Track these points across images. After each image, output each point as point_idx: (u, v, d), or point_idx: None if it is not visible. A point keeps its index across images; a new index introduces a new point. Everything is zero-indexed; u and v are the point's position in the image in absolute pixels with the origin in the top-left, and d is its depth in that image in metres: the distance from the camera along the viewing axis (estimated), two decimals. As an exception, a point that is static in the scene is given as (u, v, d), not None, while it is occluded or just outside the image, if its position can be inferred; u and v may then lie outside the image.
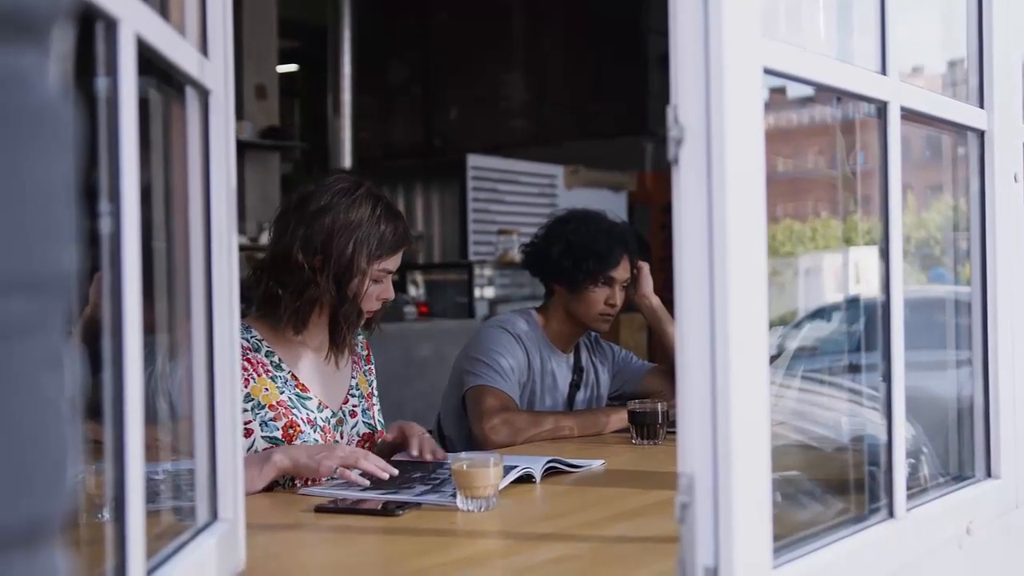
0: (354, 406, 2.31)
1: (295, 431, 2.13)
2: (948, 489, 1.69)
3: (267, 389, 2.14)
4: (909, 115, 1.51)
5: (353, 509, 1.81)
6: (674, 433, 1.33)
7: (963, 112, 1.72)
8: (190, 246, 1.27)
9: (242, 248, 6.47)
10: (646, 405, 2.57)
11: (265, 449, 2.06)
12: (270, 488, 2.00)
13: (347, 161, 8.11)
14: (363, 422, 2.32)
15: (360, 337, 2.42)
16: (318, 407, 2.21)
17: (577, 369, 2.98)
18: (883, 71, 1.45)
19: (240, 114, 7.11)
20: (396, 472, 2.01)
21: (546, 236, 2.93)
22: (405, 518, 1.75)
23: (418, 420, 2.41)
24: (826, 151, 1.88)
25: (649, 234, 7.80)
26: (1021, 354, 1.80)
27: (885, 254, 1.46)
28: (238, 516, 1.32)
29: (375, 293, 2.21)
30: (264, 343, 2.19)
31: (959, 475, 1.78)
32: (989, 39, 1.74)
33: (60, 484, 0.53)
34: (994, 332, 1.75)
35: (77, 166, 0.57)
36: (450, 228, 8.40)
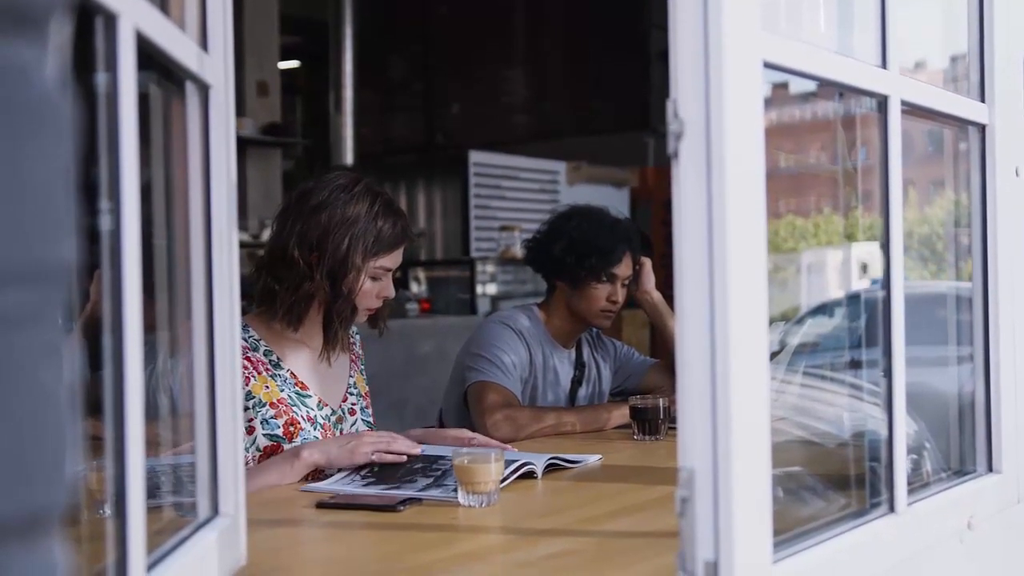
0: (353, 404, 2.32)
1: (296, 429, 2.14)
2: (949, 484, 1.69)
3: (267, 387, 2.15)
4: (910, 109, 1.51)
5: (354, 504, 1.81)
6: (675, 429, 1.33)
7: (964, 106, 1.72)
8: (191, 242, 1.28)
9: (244, 245, 6.47)
10: (647, 401, 2.57)
11: (291, 447, 2.07)
12: None
13: (349, 157, 8.11)
14: (362, 420, 2.32)
15: (357, 336, 2.42)
16: (318, 404, 2.21)
17: (579, 365, 2.98)
18: (883, 65, 1.45)
19: (242, 110, 7.12)
20: (422, 451, 2.05)
21: (548, 232, 2.93)
22: (406, 513, 1.75)
23: (420, 416, 2.43)
24: (829, 147, 1.88)
25: (651, 230, 7.80)
26: (1022, 349, 1.80)
27: (885, 249, 1.46)
28: (239, 511, 1.33)
29: (375, 291, 2.21)
30: (262, 342, 2.19)
31: (960, 470, 1.78)
32: (990, 32, 1.73)
33: (59, 476, 0.53)
34: (995, 327, 1.75)
35: (75, 159, 0.57)
36: (452, 224, 8.41)
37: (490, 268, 7.34)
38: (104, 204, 0.93)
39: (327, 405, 2.24)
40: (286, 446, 2.10)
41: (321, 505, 1.82)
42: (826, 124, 1.78)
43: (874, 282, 1.55)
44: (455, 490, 1.81)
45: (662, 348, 3.14)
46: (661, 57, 8.39)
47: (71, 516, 1.20)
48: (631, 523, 1.71)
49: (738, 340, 1.10)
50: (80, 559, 1.11)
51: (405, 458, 2.02)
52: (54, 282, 0.53)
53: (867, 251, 1.77)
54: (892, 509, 1.45)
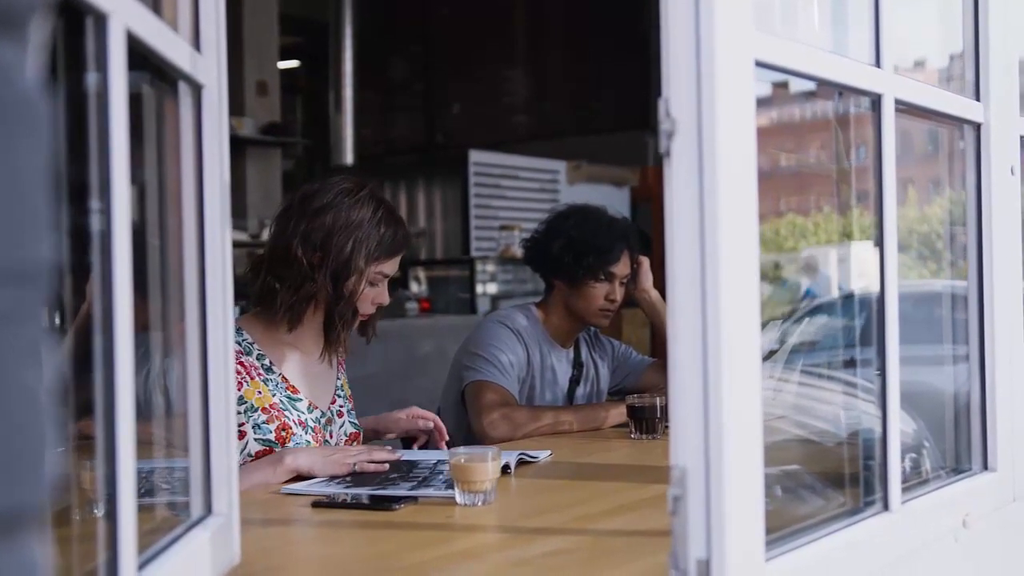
0: (340, 406, 2.33)
1: (287, 433, 2.15)
2: (944, 482, 1.69)
3: (260, 392, 2.16)
4: (904, 108, 1.51)
5: (350, 503, 1.81)
6: (671, 427, 1.34)
7: (959, 104, 1.72)
8: (183, 242, 1.28)
9: (243, 245, 6.48)
10: (644, 400, 2.57)
11: (276, 452, 2.08)
12: None
13: (349, 157, 8.12)
14: (349, 422, 2.35)
15: None
16: (308, 408, 2.23)
17: (577, 364, 2.98)
18: (878, 64, 1.45)
19: (241, 110, 7.12)
20: (401, 456, 2.13)
21: (546, 231, 2.93)
22: (402, 512, 1.75)
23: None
24: (828, 146, 1.88)
25: (652, 229, 7.79)
26: (1018, 347, 1.80)
27: (879, 246, 1.46)
28: (232, 510, 1.33)
29: (370, 296, 2.22)
30: (255, 346, 2.20)
31: (956, 468, 1.78)
32: (985, 30, 1.73)
33: (38, 474, 0.53)
34: (991, 325, 1.75)
35: (55, 159, 0.57)
36: (452, 224, 8.41)
37: (490, 267, 7.35)
38: (95, 204, 0.94)
39: (317, 408, 2.25)
40: (278, 451, 2.11)
41: (317, 504, 1.82)
42: (826, 123, 1.78)
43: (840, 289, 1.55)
44: (447, 487, 1.81)
45: (661, 347, 3.14)
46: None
47: (64, 515, 1.20)
48: (626, 521, 1.71)
49: (730, 339, 1.10)
50: (73, 558, 1.11)
51: (387, 466, 2.06)
52: (34, 281, 0.53)
53: (865, 250, 1.78)
54: (886, 507, 1.45)
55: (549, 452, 2.30)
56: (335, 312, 2.19)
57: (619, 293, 2.87)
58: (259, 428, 2.13)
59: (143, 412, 1.37)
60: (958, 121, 1.75)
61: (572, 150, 8.58)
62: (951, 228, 1.97)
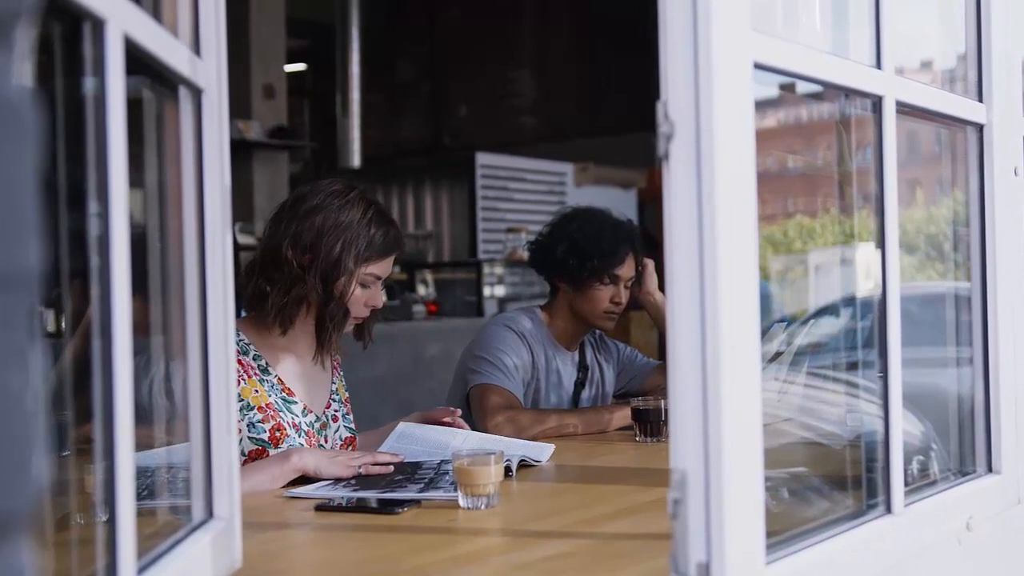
0: (335, 411, 2.34)
1: (281, 435, 2.15)
2: (948, 484, 1.68)
3: (256, 391, 2.16)
4: (906, 110, 1.51)
5: (353, 507, 1.81)
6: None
7: (961, 106, 1.71)
8: (184, 246, 1.28)
9: (251, 248, 6.48)
10: (649, 402, 2.56)
11: (282, 451, 2.09)
12: None
13: (356, 160, 8.12)
14: (344, 427, 2.35)
15: None
16: (303, 411, 2.23)
17: (582, 367, 2.98)
18: (878, 65, 1.45)
19: (248, 114, 7.13)
20: (404, 458, 2.13)
21: (551, 234, 2.93)
22: (405, 516, 1.75)
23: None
24: (835, 147, 1.88)
25: (658, 231, 7.78)
26: (1022, 349, 1.79)
27: (881, 248, 1.45)
28: (234, 514, 1.33)
29: (363, 299, 2.22)
30: (252, 347, 2.20)
31: (960, 470, 1.77)
32: (987, 31, 1.73)
33: (25, 479, 0.53)
34: (994, 327, 1.75)
35: (48, 164, 0.57)
36: (459, 226, 8.41)
37: (497, 270, 7.34)
38: (93, 208, 0.94)
39: (311, 411, 2.26)
40: (271, 451, 2.12)
41: (320, 508, 1.82)
42: (833, 125, 1.77)
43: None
44: (452, 489, 1.81)
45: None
46: (668, 58, 8.36)
47: (66, 520, 1.20)
48: (629, 525, 1.71)
49: (729, 340, 1.10)
50: (74, 563, 1.12)
51: (392, 468, 2.06)
52: (21, 287, 0.53)
53: (870, 252, 1.77)
54: (889, 510, 1.45)
55: (552, 446, 2.30)
56: (326, 313, 2.20)
57: (624, 296, 2.87)
58: (254, 427, 2.14)
59: (147, 417, 1.38)
60: (961, 123, 1.75)
61: (579, 152, 8.57)
62: (957, 229, 1.96)
